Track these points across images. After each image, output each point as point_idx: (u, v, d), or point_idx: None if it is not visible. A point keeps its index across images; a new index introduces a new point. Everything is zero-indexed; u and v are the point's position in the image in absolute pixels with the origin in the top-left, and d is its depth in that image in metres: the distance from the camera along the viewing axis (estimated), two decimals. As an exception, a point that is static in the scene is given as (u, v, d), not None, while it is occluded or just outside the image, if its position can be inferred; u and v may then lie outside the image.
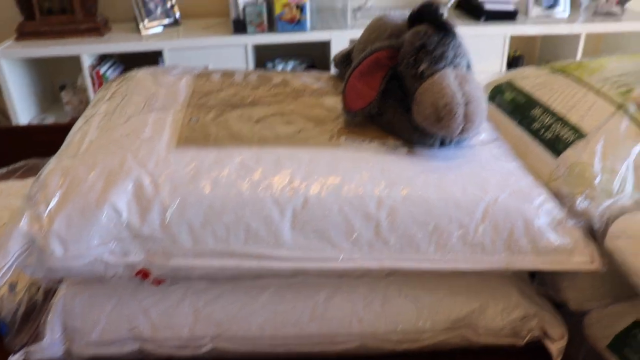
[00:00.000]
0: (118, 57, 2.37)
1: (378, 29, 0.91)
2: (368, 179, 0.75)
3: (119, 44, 2.16)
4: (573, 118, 0.90)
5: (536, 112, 0.96)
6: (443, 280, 0.85)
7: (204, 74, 0.99)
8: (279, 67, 2.34)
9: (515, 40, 2.31)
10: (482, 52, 2.18)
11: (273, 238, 0.74)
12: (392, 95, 0.83)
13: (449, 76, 0.76)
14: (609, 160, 0.81)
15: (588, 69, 1.01)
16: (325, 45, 2.22)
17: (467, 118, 0.75)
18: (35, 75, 2.36)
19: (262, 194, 0.73)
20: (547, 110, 0.95)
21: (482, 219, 0.75)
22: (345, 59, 1.03)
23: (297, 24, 2.18)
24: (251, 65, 2.22)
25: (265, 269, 0.75)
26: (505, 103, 1.05)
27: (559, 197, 0.83)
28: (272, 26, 2.20)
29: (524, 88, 1.04)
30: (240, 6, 2.15)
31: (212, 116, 0.84)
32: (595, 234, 0.80)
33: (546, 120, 0.93)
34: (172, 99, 0.89)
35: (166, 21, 2.30)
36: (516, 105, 1.02)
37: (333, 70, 1.13)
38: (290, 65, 2.37)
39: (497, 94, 1.09)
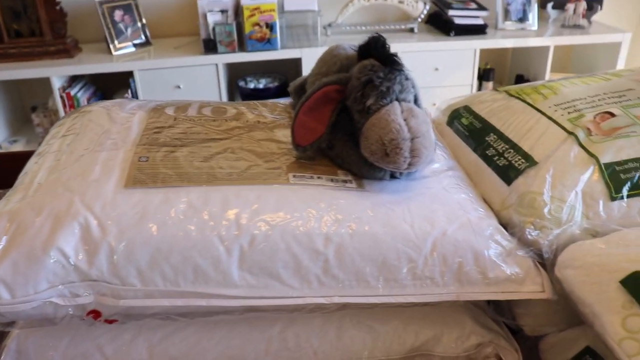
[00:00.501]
0: (89, 78, 2.36)
1: (329, 62, 0.91)
2: (315, 215, 0.75)
3: (89, 65, 2.15)
4: (526, 145, 0.91)
5: (491, 138, 0.97)
6: (397, 310, 0.85)
7: (159, 108, 0.98)
8: (251, 85, 2.34)
9: (485, 53, 2.34)
10: (453, 66, 2.21)
11: (221, 277, 0.73)
12: (342, 128, 0.84)
13: (395, 111, 0.77)
14: (558, 189, 0.82)
15: (542, 94, 1.02)
16: (297, 62, 2.23)
17: (414, 153, 0.76)
18: (6, 97, 2.34)
19: (208, 234, 0.73)
20: (501, 136, 0.96)
21: (431, 252, 0.76)
22: (300, 89, 1.04)
23: (267, 42, 2.18)
24: (223, 83, 2.22)
25: (215, 307, 0.75)
26: (462, 128, 1.06)
27: (510, 226, 0.83)
28: (242, 45, 2.20)
29: (480, 113, 1.05)
30: (210, 26, 2.15)
31: (162, 154, 0.83)
32: (546, 263, 0.80)
33: (500, 147, 0.94)
34: (124, 137, 0.88)
35: (137, 41, 2.29)
36: (472, 131, 1.03)
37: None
38: (262, 82, 2.37)
39: (454, 118, 1.10)
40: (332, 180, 0.81)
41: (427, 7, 2.24)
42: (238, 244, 0.73)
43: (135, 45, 2.29)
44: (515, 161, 0.89)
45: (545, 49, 2.21)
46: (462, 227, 0.78)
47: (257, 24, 2.15)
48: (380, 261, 0.75)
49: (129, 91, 2.24)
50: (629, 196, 0.81)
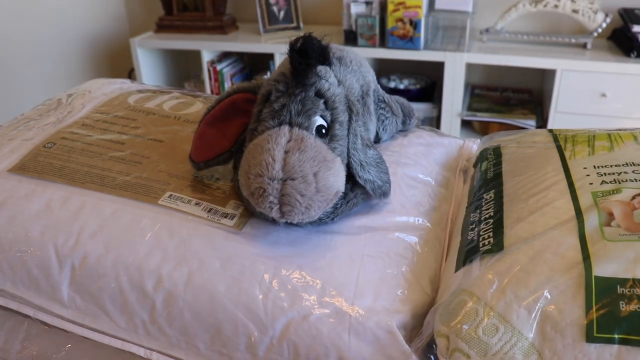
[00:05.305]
0: (240, 56, 2.43)
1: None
2: (157, 249, 0.60)
3: (235, 43, 2.20)
4: (511, 218, 0.62)
5: (489, 196, 0.69)
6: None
7: (126, 95, 0.91)
8: (392, 84, 2.16)
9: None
10: (626, 94, 1.72)
11: (51, 290, 0.64)
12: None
13: (277, 138, 0.57)
14: (506, 299, 0.53)
15: (592, 146, 0.69)
16: (440, 66, 1.97)
17: (284, 199, 0.55)
18: (167, 64, 2.52)
19: (46, 241, 0.64)
20: (498, 196, 0.67)
21: (280, 337, 0.55)
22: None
23: (409, 40, 1.97)
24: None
25: (40, 321, 0.66)
26: (479, 174, 0.78)
27: (421, 333, 0.57)
28: (384, 41, 2.03)
29: (504, 158, 0.76)
30: (353, 17, 2.02)
31: (70, 144, 0.76)
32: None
33: (486, 212, 0.66)
34: (64, 117, 0.83)
35: (287, 25, 2.28)
36: (483, 180, 0.75)
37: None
38: (405, 83, 2.17)
39: (479, 160, 0.82)
40: (210, 210, 0.64)
41: (608, 19, 1.77)
42: (70, 259, 0.63)
43: (284, 29, 2.28)
44: (483, 238, 0.61)
45: None
46: (335, 316, 0.55)
47: (401, 20, 1.96)
48: (215, 327, 0.57)
49: (268, 73, 2.25)
50: (622, 342, 0.49)
